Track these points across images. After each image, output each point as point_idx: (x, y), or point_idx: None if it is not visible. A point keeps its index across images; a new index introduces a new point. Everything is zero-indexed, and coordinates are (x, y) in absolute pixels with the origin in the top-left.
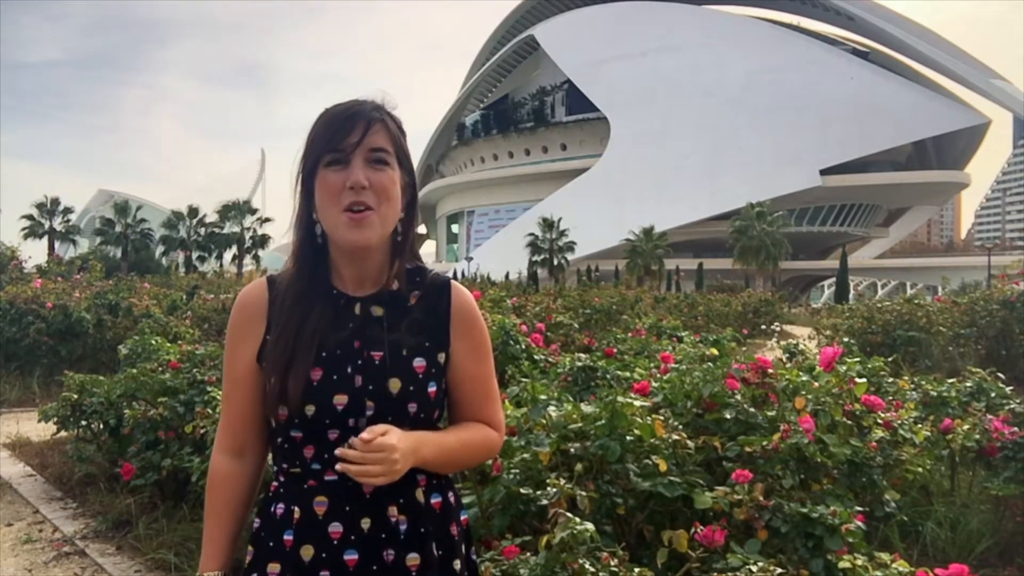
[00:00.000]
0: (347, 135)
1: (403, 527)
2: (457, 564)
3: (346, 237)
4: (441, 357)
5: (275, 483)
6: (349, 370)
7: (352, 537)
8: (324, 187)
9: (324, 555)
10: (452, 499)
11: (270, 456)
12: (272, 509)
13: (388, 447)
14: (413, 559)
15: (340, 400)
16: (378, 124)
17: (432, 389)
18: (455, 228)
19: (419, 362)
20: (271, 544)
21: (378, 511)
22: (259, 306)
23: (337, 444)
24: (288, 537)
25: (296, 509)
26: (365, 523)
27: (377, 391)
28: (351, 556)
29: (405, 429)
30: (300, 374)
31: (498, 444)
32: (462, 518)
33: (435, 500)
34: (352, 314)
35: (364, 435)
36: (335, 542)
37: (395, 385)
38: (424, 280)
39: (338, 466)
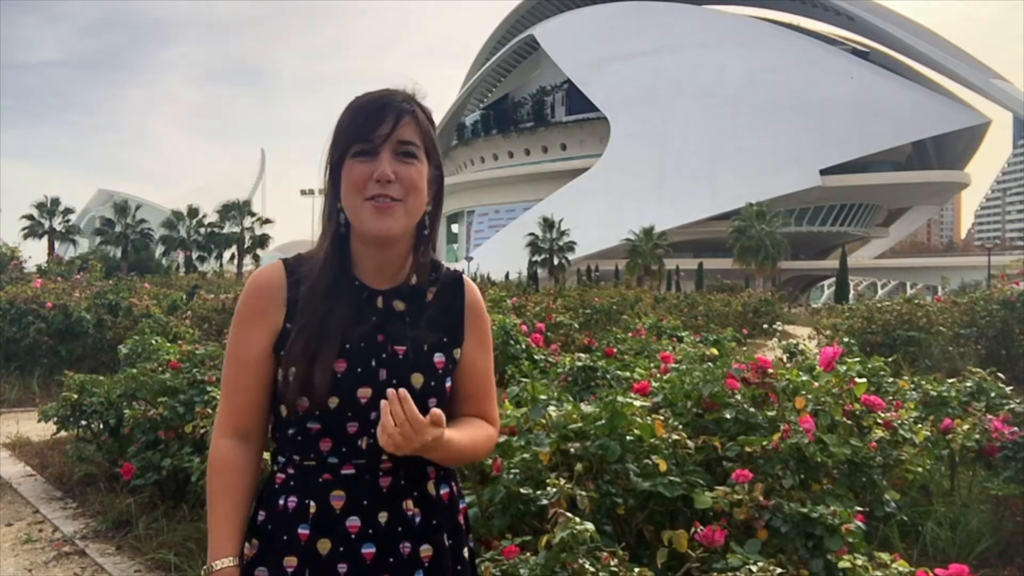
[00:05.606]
0: (377, 126)
1: (418, 519)
2: (465, 552)
3: (370, 226)
4: (456, 353)
5: (281, 475)
6: (374, 363)
7: (370, 531)
8: (350, 177)
9: (342, 549)
10: (456, 489)
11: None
12: (282, 502)
13: (423, 430)
14: (426, 550)
15: (364, 393)
16: (408, 116)
17: (448, 384)
18: (455, 228)
19: (439, 357)
20: (284, 538)
21: (395, 505)
22: (278, 291)
23: (357, 437)
24: (304, 531)
25: (312, 503)
26: (383, 517)
27: (400, 386)
28: (368, 550)
29: None
30: (325, 366)
31: (495, 441)
32: (461, 507)
33: (443, 491)
34: (375, 307)
35: (435, 411)
36: (353, 536)
37: (418, 380)
38: (439, 275)
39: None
